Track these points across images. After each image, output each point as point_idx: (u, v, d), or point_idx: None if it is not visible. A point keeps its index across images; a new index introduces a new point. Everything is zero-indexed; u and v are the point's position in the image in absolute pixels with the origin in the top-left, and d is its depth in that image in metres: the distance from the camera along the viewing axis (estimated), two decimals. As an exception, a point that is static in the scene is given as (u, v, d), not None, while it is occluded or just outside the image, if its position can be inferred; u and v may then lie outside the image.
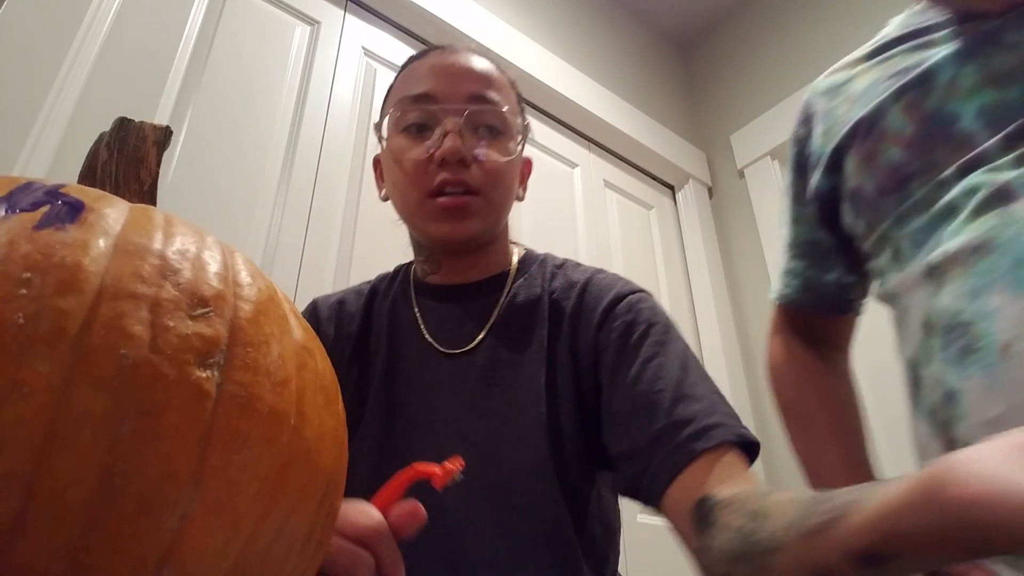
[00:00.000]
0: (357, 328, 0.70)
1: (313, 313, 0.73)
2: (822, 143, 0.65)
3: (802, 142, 0.70)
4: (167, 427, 0.27)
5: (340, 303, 0.73)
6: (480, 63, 0.67)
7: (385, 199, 0.73)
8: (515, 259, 0.74)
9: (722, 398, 0.55)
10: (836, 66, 0.67)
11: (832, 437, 0.63)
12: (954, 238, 0.49)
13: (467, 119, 0.62)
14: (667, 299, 1.83)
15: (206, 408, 0.28)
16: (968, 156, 0.51)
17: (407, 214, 0.68)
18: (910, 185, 0.54)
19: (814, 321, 0.72)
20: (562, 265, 0.72)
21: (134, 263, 0.30)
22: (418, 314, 0.69)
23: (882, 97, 0.58)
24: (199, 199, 1.07)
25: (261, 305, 0.34)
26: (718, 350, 1.78)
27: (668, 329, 0.60)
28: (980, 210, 0.48)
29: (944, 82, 0.54)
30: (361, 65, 1.44)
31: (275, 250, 1.13)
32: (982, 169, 0.49)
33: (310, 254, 1.16)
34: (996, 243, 0.46)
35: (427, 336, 0.67)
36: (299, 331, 0.38)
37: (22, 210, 0.29)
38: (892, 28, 0.63)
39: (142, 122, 0.45)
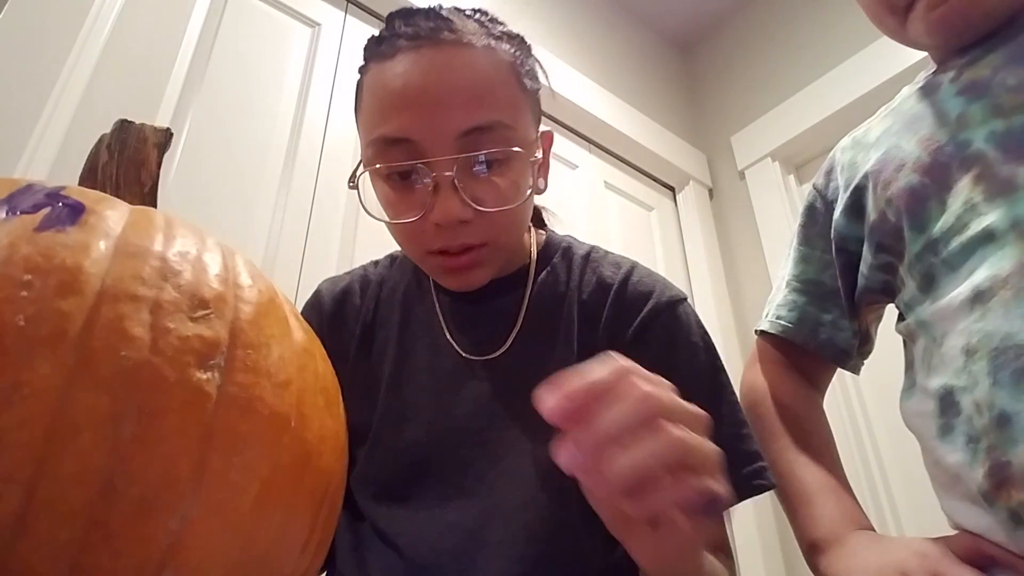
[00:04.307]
0: (363, 323, 0.64)
1: (317, 304, 0.66)
2: (844, 186, 0.66)
3: (820, 191, 0.71)
4: (168, 429, 0.27)
5: (345, 293, 0.66)
6: (465, 72, 0.51)
7: None
8: (534, 249, 0.65)
9: (744, 438, 0.54)
10: (858, 127, 0.70)
11: (824, 460, 0.64)
12: (1002, 261, 0.48)
13: (460, 166, 0.50)
14: (668, 300, 1.83)
15: (206, 410, 0.28)
16: (988, 177, 0.51)
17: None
18: (927, 204, 0.55)
19: (801, 358, 0.71)
20: (588, 256, 0.64)
21: (135, 265, 0.30)
22: (439, 311, 0.62)
23: (897, 137, 0.60)
24: (200, 201, 1.07)
25: (262, 307, 0.34)
26: (719, 351, 1.78)
27: (700, 364, 0.58)
28: None
29: (954, 118, 0.55)
30: (362, 67, 1.44)
31: (276, 252, 1.13)
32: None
33: (311, 256, 1.16)
34: None
35: (448, 336, 0.61)
36: (300, 333, 0.38)
37: (23, 212, 0.29)
38: (902, 94, 0.66)
39: (142, 124, 0.45)
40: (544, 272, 0.63)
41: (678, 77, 2.34)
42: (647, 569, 0.38)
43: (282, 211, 1.17)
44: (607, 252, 0.66)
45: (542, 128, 0.61)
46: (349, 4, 1.47)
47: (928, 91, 0.60)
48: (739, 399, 0.73)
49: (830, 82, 1.81)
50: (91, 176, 0.42)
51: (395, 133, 0.50)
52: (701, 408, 0.51)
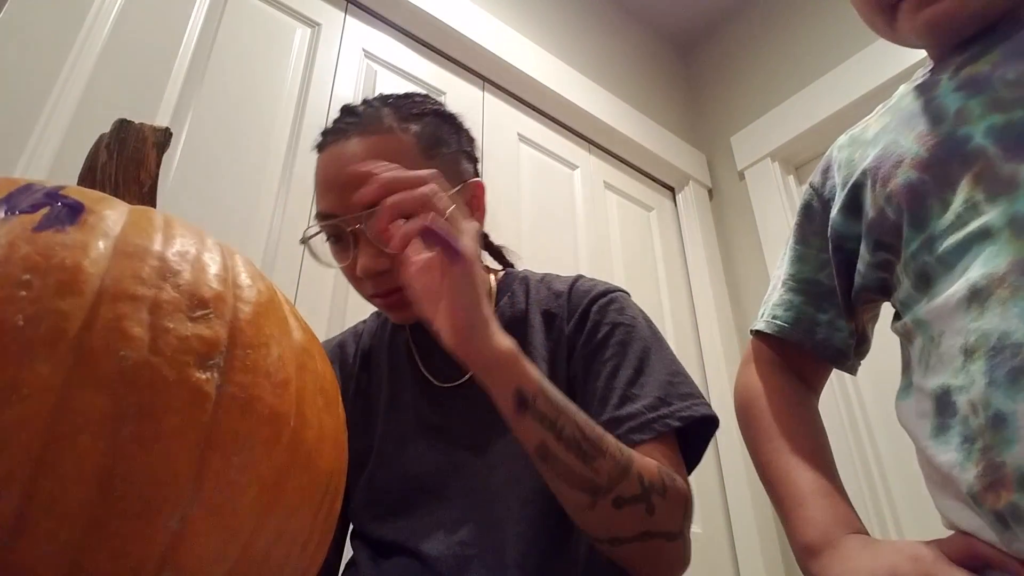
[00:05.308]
0: (359, 366, 0.74)
1: None
2: (841, 184, 0.66)
3: (816, 189, 0.71)
4: (167, 429, 0.27)
5: (340, 346, 0.77)
6: (363, 157, 0.63)
7: None
8: (493, 282, 0.75)
9: (677, 384, 0.62)
10: (855, 125, 0.69)
11: (818, 462, 0.64)
12: (998, 259, 0.48)
13: (369, 230, 0.61)
14: (667, 300, 1.83)
15: (206, 409, 0.28)
16: (989, 175, 0.51)
17: None
18: (927, 201, 0.54)
19: (796, 359, 0.71)
20: (543, 279, 0.75)
21: (134, 265, 0.30)
22: (413, 347, 0.72)
23: (895, 134, 0.59)
24: (200, 201, 1.07)
25: (261, 307, 0.34)
26: (718, 351, 1.78)
27: (631, 329, 0.65)
28: None
29: (953, 113, 0.55)
30: (362, 67, 1.44)
31: (276, 252, 1.13)
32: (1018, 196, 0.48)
33: (311, 256, 1.16)
34: None
35: (422, 369, 0.70)
36: (299, 332, 0.38)
37: (22, 212, 0.29)
38: (900, 91, 0.66)
39: (142, 124, 0.45)
40: (505, 298, 0.72)
41: (678, 77, 2.34)
42: (449, 343, 0.48)
43: (282, 210, 1.17)
44: (560, 275, 0.76)
45: (477, 179, 0.72)
46: (349, 4, 1.48)
47: (926, 88, 0.60)
48: (733, 400, 0.73)
49: (830, 82, 1.81)
50: (90, 176, 0.42)
51: (323, 210, 0.65)
52: (634, 368, 0.63)
